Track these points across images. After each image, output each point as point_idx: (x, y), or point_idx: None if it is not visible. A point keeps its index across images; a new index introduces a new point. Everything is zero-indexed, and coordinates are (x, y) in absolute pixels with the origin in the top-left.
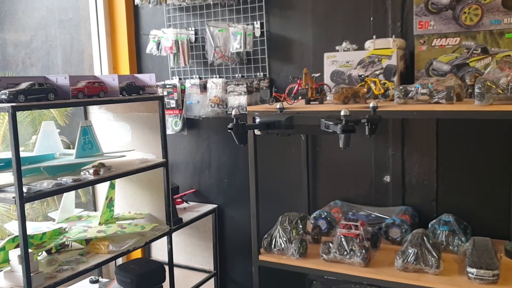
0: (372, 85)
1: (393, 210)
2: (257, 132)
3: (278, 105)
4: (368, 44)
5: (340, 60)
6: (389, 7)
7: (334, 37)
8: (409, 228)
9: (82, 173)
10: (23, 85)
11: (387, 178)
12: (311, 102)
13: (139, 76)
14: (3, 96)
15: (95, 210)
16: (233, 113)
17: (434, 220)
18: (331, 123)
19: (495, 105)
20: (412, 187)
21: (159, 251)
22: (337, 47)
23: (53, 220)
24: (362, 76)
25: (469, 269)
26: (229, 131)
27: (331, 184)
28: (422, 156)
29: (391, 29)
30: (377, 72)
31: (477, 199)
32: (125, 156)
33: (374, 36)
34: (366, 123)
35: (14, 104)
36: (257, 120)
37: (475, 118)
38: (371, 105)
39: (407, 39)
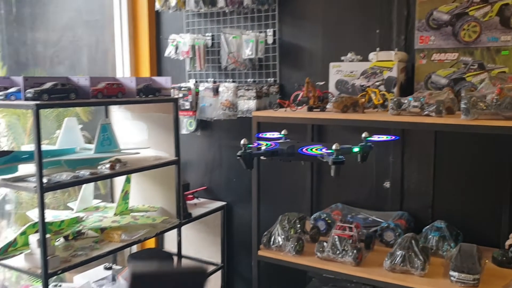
0: (372, 95)
1: (390, 214)
2: (262, 158)
3: (282, 132)
4: (371, 55)
5: (345, 70)
6: (394, 21)
7: (342, 47)
8: (403, 232)
9: (99, 167)
10: (47, 85)
11: (387, 184)
12: (313, 110)
13: (156, 78)
14: (29, 95)
15: (112, 201)
16: (242, 142)
17: (427, 226)
18: (325, 153)
19: (480, 120)
20: (410, 194)
21: (171, 243)
22: (342, 57)
23: (72, 209)
24: (364, 86)
25: (451, 273)
26: (237, 158)
27: (333, 188)
28: (421, 165)
29: (395, 42)
30: (378, 83)
31: (470, 208)
32: (139, 153)
33: (377, 49)
34: (358, 152)
35: (38, 102)
36: (263, 148)
37: (460, 131)
38: (363, 135)
39: (410, 52)
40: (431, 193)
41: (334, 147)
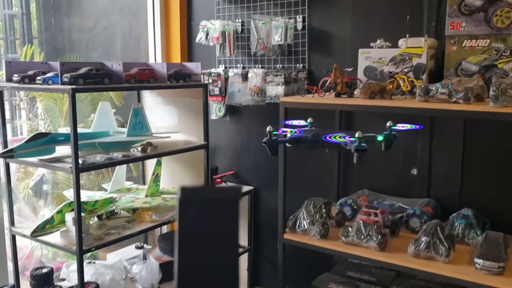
0: (401, 82)
1: (417, 201)
2: (288, 144)
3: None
4: (401, 42)
5: (374, 56)
6: (425, 7)
7: (371, 33)
8: (429, 219)
9: (131, 150)
10: (83, 70)
11: (414, 171)
12: (341, 96)
13: (187, 64)
14: (65, 79)
15: (143, 184)
16: (267, 129)
17: (454, 213)
18: (348, 141)
19: (509, 107)
20: (437, 181)
21: None
22: (371, 44)
23: (106, 190)
24: (392, 73)
25: (476, 260)
26: (263, 144)
27: (360, 174)
28: (449, 152)
29: (425, 28)
30: (406, 70)
31: (498, 196)
32: (170, 137)
33: (407, 35)
34: (382, 141)
35: (74, 86)
36: (288, 135)
37: (488, 118)
38: (387, 124)
39: (440, 38)
40: (459, 181)
41: (356, 135)
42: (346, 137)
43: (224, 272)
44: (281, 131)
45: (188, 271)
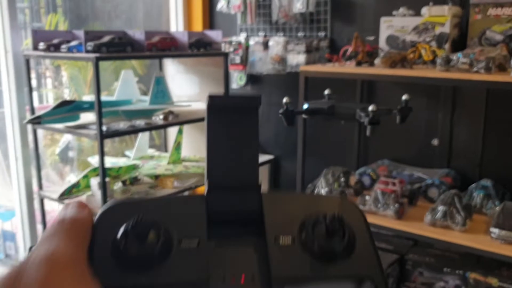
0: (422, 51)
1: (436, 172)
2: (304, 116)
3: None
4: (424, 10)
5: (396, 24)
6: None
7: (395, 1)
8: (448, 190)
9: (153, 118)
10: (106, 38)
11: (435, 142)
12: (362, 65)
13: (208, 32)
14: (89, 48)
15: (166, 151)
16: (284, 100)
17: (473, 184)
18: (362, 114)
19: None
20: (458, 152)
21: None
22: (394, 12)
23: (129, 157)
24: (414, 42)
25: (492, 229)
26: (280, 115)
27: (381, 144)
28: (470, 123)
29: None
30: (428, 39)
31: None
32: (191, 106)
33: (430, 3)
34: (397, 113)
35: (97, 55)
36: (305, 106)
37: (510, 89)
38: (403, 97)
39: (464, 7)
40: (479, 152)
41: (370, 108)
42: (358, 110)
43: (248, 170)
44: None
45: (216, 173)
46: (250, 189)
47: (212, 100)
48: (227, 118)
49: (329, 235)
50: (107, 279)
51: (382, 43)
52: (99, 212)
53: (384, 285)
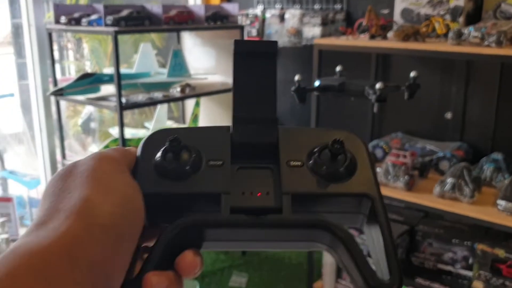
0: (436, 24)
1: (449, 145)
2: (315, 93)
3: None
4: None
5: None
6: None
7: None
8: (459, 162)
9: (171, 90)
10: (124, 12)
11: (448, 115)
12: (375, 38)
13: (224, 5)
14: (108, 22)
15: (184, 123)
16: (296, 78)
17: (484, 157)
18: (370, 91)
19: None
20: (471, 125)
21: None
22: None
23: (148, 128)
24: (428, 15)
25: (499, 201)
26: (292, 92)
27: (395, 117)
28: (484, 96)
29: None
30: (442, 12)
31: None
32: (207, 78)
33: None
34: (405, 90)
35: (116, 28)
36: (316, 83)
37: None
38: (411, 74)
39: None
40: (492, 125)
41: (377, 86)
42: (367, 87)
43: (267, 106)
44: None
45: (240, 108)
46: (269, 122)
47: (237, 44)
48: (250, 61)
49: (332, 158)
50: (149, 186)
51: (397, 17)
52: (143, 139)
53: (379, 202)
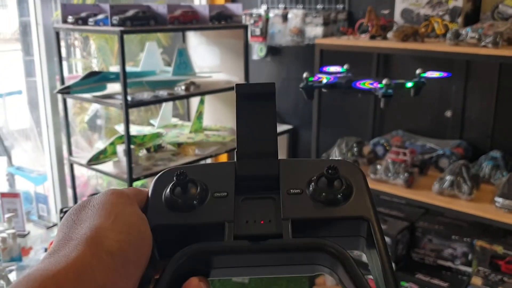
0: (435, 25)
1: (448, 143)
2: (324, 90)
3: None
4: None
5: None
6: None
7: None
8: (458, 160)
9: (176, 88)
10: (130, 12)
11: (448, 113)
12: (375, 38)
13: (228, 5)
14: (114, 22)
15: (188, 120)
16: (304, 75)
17: (483, 155)
18: (376, 88)
19: None
20: (470, 123)
21: None
22: None
23: (154, 125)
24: (428, 15)
25: (496, 198)
26: (300, 89)
27: (396, 115)
28: (483, 95)
29: None
30: (441, 13)
31: None
32: (211, 77)
33: None
34: (411, 87)
35: (122, 28)
36: (324, 81)
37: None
38: (417, 71)
39: None
40: (491, 124)
41: (384, 82)
42: (374, 84)
43: (268, 142)
44: (317, 77)
45: (244, 144)
46: (270, 156)
47: (239, 88)
48: (250, 101)
49: (329, 184)
50: (158, 218)
51: (397, 17)
52: (154, 178)
53: (376, 224)
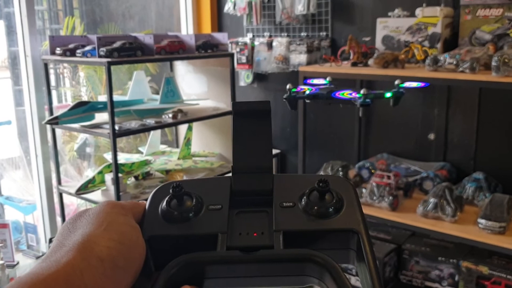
0: (415, 51)
1: (432, 165)
2: (307, 100)
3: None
4: (417, 11)
5: (391, 25)
6: None
7: (392, 2)
8: (442, 182)
9: (163, 116)
10: (117, 44)
11: (431, 136)
12: (357, 65)
13: (214, 35)
14: (102, 53)
15: (177, 147)
16: (288, 86)
17: (467, 177)
18: (355, 97)
19: (510, 77)
20: (453, 145)
21: None
22: (389, 13)
23: (142, 153)
24: (408, 42)
25: (479, 220)
26: (284, 100)
27: (380, 138)
28: (465, 118)
29: None
30: (421, 39)
31: (511, 160)
32: (199, 104)
33: (424, 4)
34: (391, 98)
35: (109, 59)
36: (306, 92)
37: (491, 87)
38: (396, 82)
39: (456, 8)
40: (474, 146)
41: (362, 91)
42: (352, 93)
43: (263, 158)
44: (300, 88)
45: (239, 160)
46: (265, 171)
47: (235, 106)
48: (247, 119)
49: (320, 197)
50: (154, 229)
51: (378, 43)
52: (152, 192)
53: (365, 237)
